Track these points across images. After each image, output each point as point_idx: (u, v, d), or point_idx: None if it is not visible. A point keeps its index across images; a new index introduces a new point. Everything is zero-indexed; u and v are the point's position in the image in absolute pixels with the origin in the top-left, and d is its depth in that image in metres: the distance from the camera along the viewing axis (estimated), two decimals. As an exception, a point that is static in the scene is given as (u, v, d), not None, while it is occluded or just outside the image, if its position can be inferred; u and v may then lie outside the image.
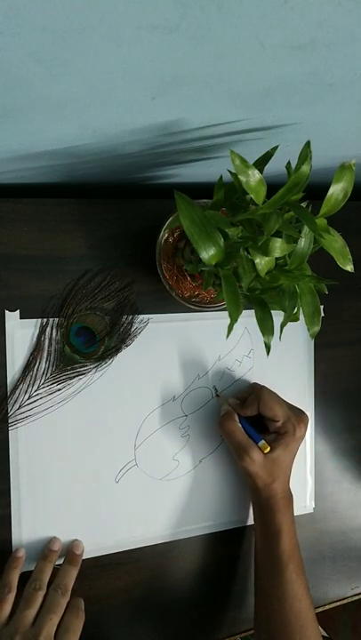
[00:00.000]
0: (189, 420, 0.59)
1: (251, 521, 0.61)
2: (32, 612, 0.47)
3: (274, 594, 0.52)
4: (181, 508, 0.58)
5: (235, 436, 0.54)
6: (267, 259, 0.40)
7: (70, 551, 0.53)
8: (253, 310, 0.42)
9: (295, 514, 0.55)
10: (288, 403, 0.57)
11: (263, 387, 0.57)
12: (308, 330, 0.42)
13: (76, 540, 0.54)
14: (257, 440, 0.54)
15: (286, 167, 0.39)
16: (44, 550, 0.52)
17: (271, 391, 0.56)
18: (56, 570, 0.52)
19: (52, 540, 0.53)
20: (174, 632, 0.58)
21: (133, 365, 0.56)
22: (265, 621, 0.53)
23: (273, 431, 0.55)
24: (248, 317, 0.45)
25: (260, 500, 0.55)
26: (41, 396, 0.52)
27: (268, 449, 0.53)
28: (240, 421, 0.56)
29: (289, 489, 0.56)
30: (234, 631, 0.60)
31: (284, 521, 0.53)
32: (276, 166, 0.40)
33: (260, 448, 0.53)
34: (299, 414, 0.56)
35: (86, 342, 0.54)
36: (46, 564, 0.51)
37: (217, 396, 0.59)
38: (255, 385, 0.59)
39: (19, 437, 0.52)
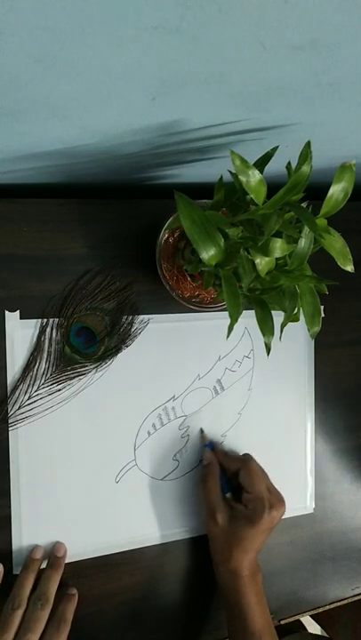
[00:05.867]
0: (189, 420, 0.59)
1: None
2: (9, 637, 0.46)
3: None
4: (182, 508, 0.58)
5: (210, 495, 0.54)
6: (267, 259, 0.40)
7: (52, 554, 0.52)
8: (253, 310, 0.42)
9: (296, 514, 0.55)
10: (272, 486, 0.56)
11: (253, 459, 0.57)
12: (309, 330, 0.42)
13: (58, 542, 0.53)
14: (225, 490, 0.55)
15: (286, 167, 0.39)
16: (25, 561, 0.51)
17: (259, 467, 0.56)
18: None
19: (34, 548, 0.52)
20: (174, 632, 0.58)
21: (133, 366, 0.56)
22: None
23: (243, 502, 0.54)
24: (248, 317, 0.45)
25: (220, 575, 0.54)
26: (41, 396, 0.52)
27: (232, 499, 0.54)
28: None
29: (254, 565, 0.53)
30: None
31: (248, 600, 0.51)
32: (276, 166, 0.40)
33: (227, 502, 0.54)
34: (275, 500, 0.54)
35: (86, 342, 0.54)
36: (28, 576, 0.50)
37: (202, 433, 0.59)
38: (247, 454, 0.58)
39: (19, 437, 0.52)
